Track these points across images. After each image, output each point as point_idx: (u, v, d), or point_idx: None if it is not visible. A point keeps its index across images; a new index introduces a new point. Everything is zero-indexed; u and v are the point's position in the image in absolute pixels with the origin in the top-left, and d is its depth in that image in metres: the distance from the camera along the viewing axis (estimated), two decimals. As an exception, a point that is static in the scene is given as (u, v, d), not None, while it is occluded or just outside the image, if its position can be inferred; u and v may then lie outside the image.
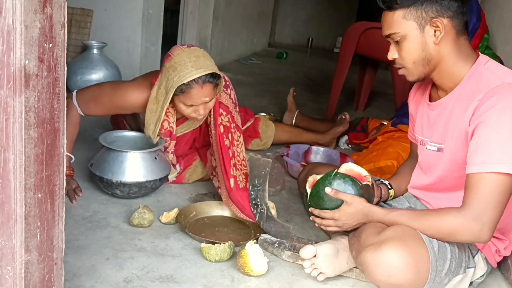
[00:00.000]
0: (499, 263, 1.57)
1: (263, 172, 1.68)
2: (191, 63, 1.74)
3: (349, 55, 3.26)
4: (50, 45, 0.88)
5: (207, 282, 1.45)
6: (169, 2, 5.24)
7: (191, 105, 1.80)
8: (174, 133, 1.95)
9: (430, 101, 1.49)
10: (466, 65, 1.37)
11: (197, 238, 1.64)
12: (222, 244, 1.55)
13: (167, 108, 1.87)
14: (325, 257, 1.47)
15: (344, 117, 2.82)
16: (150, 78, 1.90)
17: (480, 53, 1.40)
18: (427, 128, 1.49)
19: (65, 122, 1.00)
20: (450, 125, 1.39)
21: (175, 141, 1.99)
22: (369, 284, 1.48)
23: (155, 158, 1.88)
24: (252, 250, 1.49)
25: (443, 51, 1.35)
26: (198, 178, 2.11)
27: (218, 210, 1.86)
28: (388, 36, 1.38)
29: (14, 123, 0.84)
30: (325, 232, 1.75)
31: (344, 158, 2.42)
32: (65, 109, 1.00)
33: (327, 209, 1.50)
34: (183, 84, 1.73)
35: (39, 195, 0.92)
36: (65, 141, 1.02)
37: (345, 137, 2.84)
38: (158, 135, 1.92)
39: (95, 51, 3.10)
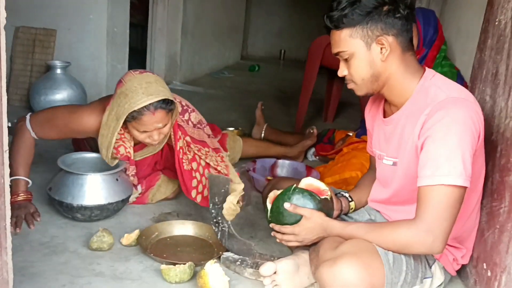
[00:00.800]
0: (458, 271, 1.59)
1: (222, 190, 1.67)
2: (142, 90, 1.72)
3: (315, 68, 3.30)
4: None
5: (167, 305, 1.43)
6: (138, 18, 5.24)
7: (145, 131, 1.79)
8: (132, 158, 1.93)
9: (384, 116, 1.52)
10: (413, 80, 1.40)
11: (158, 260, 1.62)
12: (182, 265, 1.53)
13: (122, 134, 1.86)
14: (285, 273, 1.47)
15: (312, 131, 2.85)
16: (104, 102, 1.87)
17: (426, 68, 1.43)
18: (383, 142, 1.52)
19: (5, 152, 0.98)
20: (403, 140, 1.41)
21: (134, 166, 1.97)
22: (330, 299, 1.48)
23: (117, 180, 1.85)
24: (212, 270, 1.48)
25: (390, 68, 1.38)
26: (162, 198, 2.09)
27: (181, 229, 1.84)
28: (337, 54, 1.41)
29: None
30: (288, 247, 1.75)
31: (310, 170, 2.44)
32: (5, 138, 0.98)
33: (287, 224, 1.50)
34: (134, 111, 1.72)
35: (-25, 228, 0.90)
36: (7, 170, 1.01)
37: (313, 149, 2.86)
38: (115, 159, 1.90)
39: (58, 70, 3.07)
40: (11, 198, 1.71)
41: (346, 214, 1.67)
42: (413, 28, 1.41)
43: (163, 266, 1.53)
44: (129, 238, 1.72)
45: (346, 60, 1.41)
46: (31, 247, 1.65)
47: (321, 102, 3.95)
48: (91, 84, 3.31)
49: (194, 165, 1.93)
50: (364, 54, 1.37)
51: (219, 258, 1.66)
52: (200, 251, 1.73)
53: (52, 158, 2.31)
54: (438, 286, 1.48)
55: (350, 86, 1.45)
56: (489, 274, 1.47)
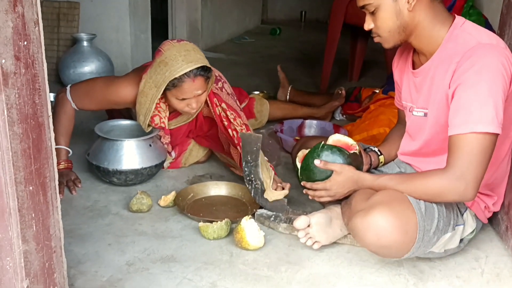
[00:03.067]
0: (490, 219, 1.61)
1: (255, 148, 1.71)
2: (181, 57, 1.76)
3: (338, 26, 3.25)
4: (25, 43, 0.91)
5: (207, 259, 1.50)
6: (157, -12, 5.23)
7: (184, 99, 1.82)
8: (166, 128, 1.99)
9: (413, 68, 1.51)
10: (443, 29, 1.38)
11: (195, 218, 1.69)
12: (219, 222, 1.60)
13: (158, 104, 1.90)
14: (318, 226, 1.52)
15: (340, 91, 2.84)
16: (140, 72, 1.91)
17: (456, 15, 1.41)
18: (414, 94, 1.51)
19: (49, 117, 1.04)
20: (433, 90, 1.41)
21: (169, 135, 2.03)
22: (363, 249, 1.53)
23: (150, 145, 1.92)
24: (248, 225, 1.54)
25: (418, 18, 1.37)
26: (194, 161, 2.15)
27: (215, 190, 1.90)
28: (363, 7, 1.40)
29: (-3, 121, 0.87)
30: (320, 203, 1.79)
31: (337, 129, 2.45)
32: (49, 103, 1.03)
33: (318, 180, 1.54)
34: (175, 78, 1.75)
35: (31, 188, 0.96)
36: (52, 134, 1.06)
37: (340, 108, 2.86)
38: (150, 126, 1.95)
39: (85, 43, 3.11)
40: (58, 165, 1.80)
41: (376, 168, 1.69)
42: None
43: (201, 224, 1.60)
44: (166, 199, 1.79)
45: (372, 13, 1.39)
46: (76, 211, 1.74)
47: (345, 62, 3.91)
48: (116, 55, 3.36)
49: (230, 132, 1.97)
50: (391, 5, 1.36)
51: (253, 215, 1.72)
52: (235, 210, 1.79)
53: (87, 128, 2.40)
54: (470, 233, 1.51)
55: (377, 39, 1.44)
56: (521, 219, 1.48)
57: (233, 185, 1.91)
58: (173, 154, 2.10)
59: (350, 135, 2.40)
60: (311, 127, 2.57)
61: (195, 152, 2.15)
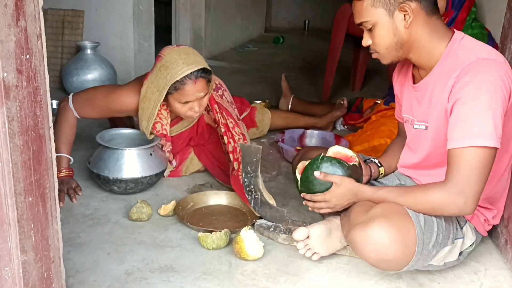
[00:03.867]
0: (489, 232, 1.61)
1: (254, 159, 1.72)
2: (182, 60, 1.78)
3: (341, 36, 3.27)
4: (28, 56, 0.92)
5: (206, 269, 1.50)
6: (162, -5, 5.27)
7: (186, 103, 1.83)
8: (168, 135, 2.00)
9: (414, 82, 1.52)
10: (441, 44, 1.39)
11: (195, 228, 1.70)
12: (218, 232, 1.60)
13: (159, 111, 1.91)
14: (317, 237, 1.52)
15: (342, 102, 2.85)
16: (142, 80, 1.93)
17: (455, 30, 1.42)
18: (415, 108, 1.52)
19: (50, 128, 1.05)
20: (432, 103, 1.42)
21: (170, 142, 2.04)
22: (362, 261, 1.52)
23: (151, 154, 1.93)
24: (247, 236, 1.54)
25: (415, 34, 1.38)
26: (195, 170, 2.16)
27: (215, 199, 1.91)
28: (360, 24, 1.42)
29: (-2, 133, 0.88)
30: (320, 214, 1.79)
31: (338, 140, 2.46)
32: (50, 115, 1.04)
33: (318, 192, 1.54)
34: (177, 81, 1.77)
35: (30, 199, 0.97)
36: (53, 145, 1.07)
37: (341, 119, 2.87)
38: (151, 134, 1.97)
39: (88, 51, 3.14)
40: (58, 173, 1.82)
41: (376, 180, 1.70)
42: None
43: (201, 234, 1.61)
44: (166, 208, 1.80)
45: (369, 30, 1.41)
46: (76, 219, 1.75)
47: (348, 71, 3.93)
48: (120, 63, 3.39)
49: (226, 139, 1.97)
50: (387, 22, 1.37)
51: (253, 225, 1.72)
52: (235, 219, 1.80)
53: (89, 137, 2.41)
54: (470, 246, 1.51)
55: (375, 55, 1.46)
56: (520, 233, 1.48)
57: (233, 195, 1.91)
58: (174, 163, 2.11)
59: (351, 145, 2.41)
60: (312, 137, 2.57)
61: (196, 160, 2.16)
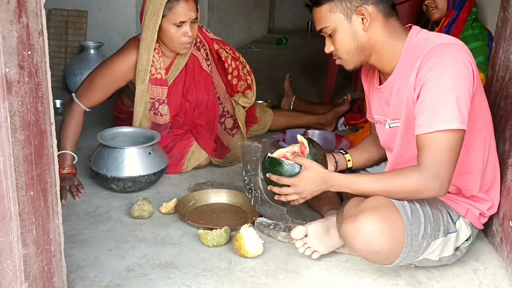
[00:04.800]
0: (485, 230, 1.62)
1: (254, 158, 1.73)
2: None
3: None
4: (29, 52, 0.94)
5: (206, 266, 1.51)
6: (165, -4, 5.30)
7: (180, 25, 1.95)
8: (164, 78, 2.08)
9: (380, 84, 1.54)
10: (400, 43, 1.42)
11: (195, 225, 1.71)
12: (219, 229, 1.61)
13: (154, 57, 2.03)
14: (315, 235, 1.53)
15: (346, 97, 2.87)
16: (130, 42, 2.10)
17: (412, 26, 1.44)
18: (385, 108, 1.54)
19: (52, 124, 1.06)
20: (400, 99, 1.44)
21: (167, 87, 2.10)
22: (362, 259, 1.53)
23: (149, 154, 1.94)
24: (247, 233, 1.55)
25: (374, 37, 1.40)
26: (196, 164, 2.18)
27: (216, 197, 1.92)
28: (321, 31, 1.45)
29: (0, 128, 0.90)
30: (318, 213, 1.81)
31: (339, 139, 2.47)
32: (51, 111, 1.06)
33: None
34: (168, 1, 1.91)
35: (31, 193, 0.99)
36: (54, 141, 1.09)
37: (342, 119, 2.88)
38: (149, 91, 2.06)
39: (92, 51, 3.16)
40: (60, 170, 1.87)
41: (345, 171, 1.70)
42: None
43: (201, 231, 1.62)
44: (168, 206, 1.81)
45: (330, 36, 1.44)
46: (78, 217, 1.77)
47: (350, 72, 3.93)
48: (123, 63, 3.40)
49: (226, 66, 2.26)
50: (346, 27, 1.39)
51: (253, 223, 1.74)
52: (235, 217, 1.81)
53: (92, 135, 2.42)
54: (466, 240, 1.51)
55: (338, 62, 1.49)
56: (516, 231, 1.49)
57: (234, 193, 1.92)
58: (167, 117, 2.13)
59: (352, 145, 2.41)
60: (313, 137, 2.58)
61: (196, 154, 2.18)
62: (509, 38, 1.62)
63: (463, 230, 1.49)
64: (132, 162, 1.90)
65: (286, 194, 1.56)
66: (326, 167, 1.59)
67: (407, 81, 1.38)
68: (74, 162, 2.01)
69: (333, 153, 1.70)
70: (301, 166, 1.52)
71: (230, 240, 1.63)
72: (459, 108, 1.28)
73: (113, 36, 3.41)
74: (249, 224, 1.63)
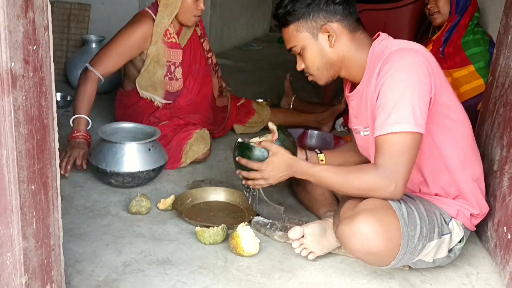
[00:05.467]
0: (479, 235, 1.63)
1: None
2: None
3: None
4: (35, 47, 0.95)
5: (202, 263, 1.53)
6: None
7: None
8: (177, 42, 2.24)
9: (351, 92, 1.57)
10: (366, 53, 1.45)
11: (193, 223, 1.72)
12: (215, 227, 1.63)
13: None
14: (312, 236, 1.54)
15: (341, 97, 2.88)
16: (140, 15, 2.25)
17: (380, 33, 1.47)
18: (358, 116, 1.56)
19: (54, 118, 1.07)
20: (367, 107, 1.47)
21: (181, 50, 2.26)
22: (356, 260, 1.55)
23: (149, 149, 1.95)
24: (243, 232, 1.56)
25: (341, 52, 1.45)
26: (194, 157, 2.20)
27: (213, 195, 1.93)
28: (290, 50, 1.50)
29: (4, 121, 0.91)
30: (315, 214, 1.82)
31: (338, 140, 2.48)
32: (54, 106, 1.07)
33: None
34: None
35: (33, 187, 1.00)
36: (56, 135, 1.10)
37: (341, 120, 2.89)
38: (165, 58, 2.21)
39: (93, 45, 3.16)
40: (71, 134, 2.03)
41: None
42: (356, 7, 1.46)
43: (198, 228, 1.63)
44: (165, 203, 1.82)
45: (299, 54, 1.49)
46: (76, 211, 1.78)
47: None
48: (124, 58, 3.40)
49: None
50: (313, 45, 1.45)
51: (250, 222, 1.75)
52: (232, 216, 1.82)
53: (92, 130, 2.43)
54: (459, 242, 1.53)
55: (310, 78, 1.54)
56: (509, 237, 1.50)
57: (232, 192, 1.94)
58: (180, 82, 2.27)
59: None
60: (312, 137, 2.60)
61: (195, 147, 2.20)
62: (510, 45, 1.64)
63: (456, 232, 1.50)
64: (132, 157, 1.91)
65: (253, 179, 1.58)
66: (294, 154, 1.62)
67: (369, 89, 1.42)
68: (88, 128, 2.07)
69: (307, 150, 1.73)
70: (268, 151, 1.54)
71: (226, 238, 1.64)
72: (413, 110, 1.31)
73: (116, 29, 3.35)
74: (246, 223, 1.65)
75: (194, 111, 2.37)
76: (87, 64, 2.15)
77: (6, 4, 0.86)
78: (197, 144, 2.21)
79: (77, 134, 2.01)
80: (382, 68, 1.37)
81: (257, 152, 1.56)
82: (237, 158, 1.61)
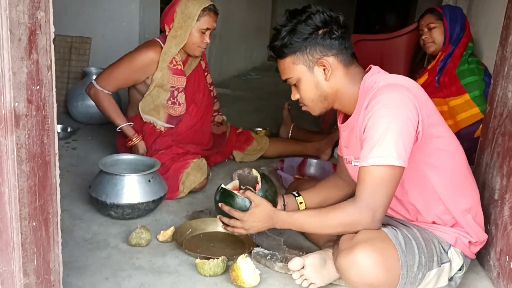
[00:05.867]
0: (482, 263, 1.63)
1: (251, 188, 1.75)
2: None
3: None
4: (38, 87, 0.97)
5: (202, 296, 1.52)
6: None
7: (204, 31, 2.29)
8: (183, 69, 2.36)
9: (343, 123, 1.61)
10: (358, 86, 1.49)
11: (193, 254, 1.72)
12: (216, 259, 1.62)
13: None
14: (312, 267, 1.54)
15: (336, 127, 2.90)
16: (149, 43, 2.35)
17: (372, 67, 1.51)
18: (349, 146, 1.59)
19: (56, 154, 1.09)
20: (358, 139, 1.50)
21: (185, 77, 2.37)
22: (357, 292, 1.54)
23: (149, 181, 1.96)
24: (244, 264, 1.56)
25: (336, 85, 1.49)
26: (191, 187, 2.21)
27: (213, 226, 1.93)
28: (286, 81, 1.53)
29: (7, 160, 0.92)
30: (315, 244, 1.82)
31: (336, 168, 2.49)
32: (56, 142, 1.08)
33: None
34: (205, 7, 2.25)
35: (34, 224, 1.01)
36: (57, 171, 1.11)
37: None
38: (169, 84, 2.31)
39: (94, 77, 3.20)
40: (128, 142, 2.32)
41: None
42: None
43: (198, 260, 1.63)
44: (165, 234, 1.82)
45: (295, 85, 1.52)
46: (75, 243, 1.77)
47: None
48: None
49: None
50: (309, 77, 1.48)
51: (250, 253, 1.74)
52: (232, 247, 1.82)
53: (93, 162, 2.45)
54: (459, 270, 1.52)
55: (304, 108, 1.58)
56: (511, 266, 1.50)
57: (232, 222, 1.93)
58: (183, 108, 2.36)
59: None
60: (311, 166, 2.61)
61: (192, 176, 2.21)
62: (507, 76, 1.67)
63: (455, 260, 1.50)
64: (132, 189, 1.92)
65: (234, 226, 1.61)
66: (276, 204, 1.65)
67: (358, 122, 1.46)
68: (132, 125, 2.31)
69: (284, 195, 1.75)
70: (251, 202, 1.58)
71: (227, 270, 1.63)
72: (396, 144, 1.34)
73: (116, 62, 3.46)
74: (246, 254, 1.64)
75: (194, 136, 2.44)
76: (93, 81, 2.28)
77: (10, 47, 0.88)
78: (193, 173, 2.23)
79: (133, 140, 2.29)
80: (369, 102, 1.40)
81: (240, 201, 1.60)
82: (219, 204, 1.63)
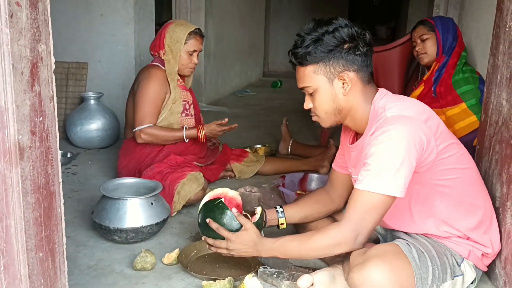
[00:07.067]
0: (488, 274, 1.62)
1: (254, 207, 1.75)
2: (187, 22, 2.56)
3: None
4: (41, 118, 0.98)
5: (210, 319, 1.50)
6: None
7: (191, 54, 2.46)
8: (186, 86, 2.56)
9: (353, 143, 1.62)
10: (369, 107, 1.50)
11: (199, 277, 1.71)
12: (222, 280, 1.61)
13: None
14: (322, 284, 1.53)
15: (330, 140, 2.94)
16: (149, 69, 2.47)
17: (380, 90, 1.52)
18: (355, 167, 1.60)
19: (60, 184, 1.09)
20: (363, 161, 1.50)
21: (189, 92, 2.58)
22: (366, 307, 1.53)
23: (152, 204, 1.96)
24: (251, 283, 1.55)
25: (351, 101, 1.49)
26: (187, 198, 2.23)
27: (218, 246, 1.92)
28: (302, 88, 1.53)
29: (12, 192, 0.93)
30: (323, 261, 1.81)
31: (338, 183, 2.49)
32: (59, 171, 1.09)
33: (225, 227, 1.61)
34: (191, 31, 2.43)
35: (40, 254, 1.01)
36: (62, 200, 1.11)
37: (339, 161, 2.92)
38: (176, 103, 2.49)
39: (92, 101, 3.22)
40: (198, 136, 2.49)
41: (278, 226, 1.76)
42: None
43: (204, 282, 1.62)
44: (170, 257, 1.82)
45: (311, 95, 1.52)
46: (80, 271, 1.76)
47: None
48: (122, 111, 3.42)
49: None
50: (327, 89, 1.48)
51: (256, 272, 1.74)
52: (238, 267, 1.81)
53: (95, 187, 2.45)
54: (471, 283, 1.52)
55: (315, 118, 1.57)
56: (518, 275, 1.50)
57: (236, 242, 1.93)
58: (193, 117, 2.55)
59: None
60: (312, 181, 2.61)
61: (188, 186, 2.24)
62: (500, 84, 1.69)
63: (468, 273, 1.50)
64: (135, 213, 1.91)
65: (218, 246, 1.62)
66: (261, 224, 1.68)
67: (364, 145, 1.48)
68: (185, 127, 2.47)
69: (266, 210, 1.75)
70: (241, 225, 1.59)
71: (233, 290, 1.63)
72: (395, 177, 1.36)
73: (113, 86, 3.48)
74: (253, 273, 1.64)
75: (194, 148, 2.56)
76: (135, 130, 2.38)
77: (13, 80, 0.89)
78: (189, 184, 2.25)
79: (201, 135, 2.46)
80: (375, 132, 1.42)
81: (229, 220, 1.60)
82: (208, 220, 1.63)
